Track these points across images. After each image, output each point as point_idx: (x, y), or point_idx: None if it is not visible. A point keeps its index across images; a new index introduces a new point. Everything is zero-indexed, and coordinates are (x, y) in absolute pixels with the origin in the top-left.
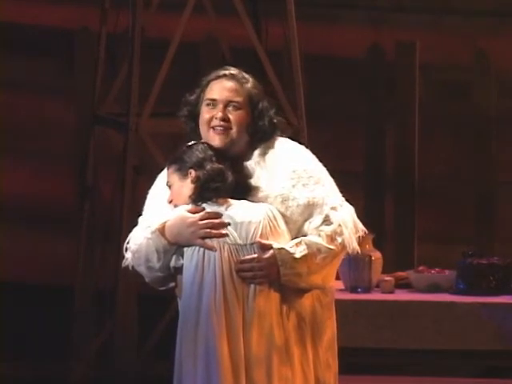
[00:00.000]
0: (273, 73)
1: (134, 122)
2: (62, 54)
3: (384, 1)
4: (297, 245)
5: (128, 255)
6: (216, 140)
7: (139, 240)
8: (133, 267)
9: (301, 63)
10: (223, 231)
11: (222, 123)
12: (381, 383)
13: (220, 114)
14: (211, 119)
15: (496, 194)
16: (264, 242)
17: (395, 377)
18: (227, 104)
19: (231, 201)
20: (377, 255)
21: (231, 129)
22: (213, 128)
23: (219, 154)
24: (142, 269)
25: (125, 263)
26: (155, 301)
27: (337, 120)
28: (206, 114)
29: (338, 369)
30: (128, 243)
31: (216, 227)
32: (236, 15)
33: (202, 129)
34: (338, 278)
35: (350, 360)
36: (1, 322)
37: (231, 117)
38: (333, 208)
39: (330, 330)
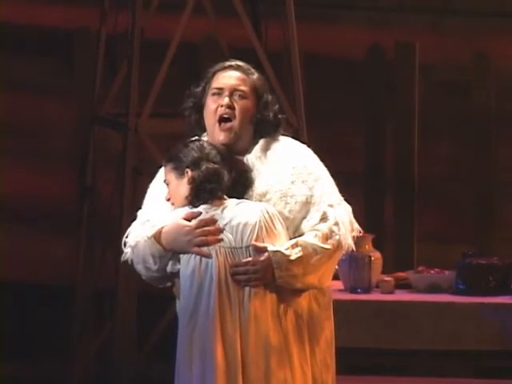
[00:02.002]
0: (272, 73)
1: (134, 123)
2: (62, 54)
3: (384, 1)
4: (292, 246)
5: (127, 250)
6: (221, 136)
7: (137, 237)
8: (132, 262)
9: (300, 63)
10: (219, 237)
11: (227, 111)
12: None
13: (226, 100)
14: (217, 108)
15: (496, 194)
16: (259, 244)
17: (395, 377)
18: (233, 92)
19: (227, 201)
20: (376, 255)
21: (235, 118)
22: (218, 122)
23: (221, 148)
24: (139, 267)
25: (124, 257)
26: (155, 300)
27: (337, 120)
28: (211, 103)
29: (335, 369)
30: (127, 237)
31: (212, 234)
32: (236, 16)
33: (208, 120)
34: (337, 278)
35: (349, 360)
36: (1, 322)
37: (236, 105)
38: (330, 205)
39: (328, 330)
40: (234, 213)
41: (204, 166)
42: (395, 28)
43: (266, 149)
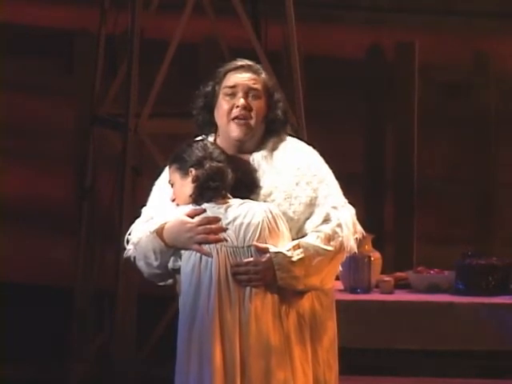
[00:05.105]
0: (272, 73)
1: (133, 123)
2: (62, 54)
3: (384, 1)
4: (294, 248)
5: (129, 247)
6: (236, 131)
7: (140, 233)
8: (134, 259)
9: (300, 63)
10: (220, 236)
11: (243, 112)
12: None
13: (242, 101)
14: (231, 109)
15: (496, 194)
16: (261, 245)
17: (395, 377)
18: (248, 91)
19: (231, 200)
20: (376, 256)
21: (251, 118)
22: (233, 119)
23: (231, 147)
24: (141, 263)
25: (126, 254)
26: (155, 301)
27: (336, 120)
28: (225, 104)
29: (338, 369)
30: (129, 234)
31: (213, 232)
32: (235, 16)
33: (221, 121)
34: (337, 278)
35: (349, 360)
36: (1, 323)
37: (253, 106)
38: (334, 207)
39: (330, 330)
40: (238, 212)
41: (208, 165)
42: (395, 28)
43: (272, 149)
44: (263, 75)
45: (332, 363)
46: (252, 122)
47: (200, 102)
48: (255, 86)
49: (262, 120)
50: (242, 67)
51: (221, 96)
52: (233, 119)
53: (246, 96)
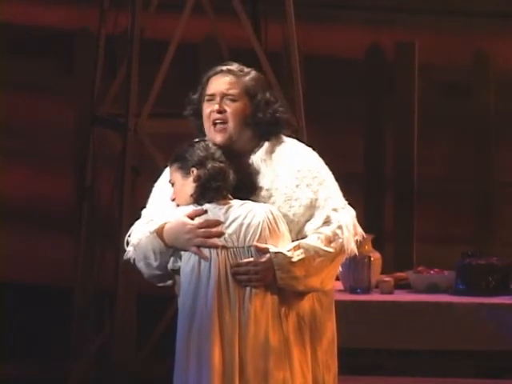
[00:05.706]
0: (272, 73)
1: (133, 123)
2: (62, 54)
3: (384, 1)
4: (294, 248)
5: (129, 248)
6: (217, 137)
7: (140, 235)
8: (134, 260)
9: (300, 63)
10: (219, 242)
11: (218, 116)
12: None
13: (216, 106)
14: (210, 113)
15: (496, 194)
16: (261, 245)
17: (395, 377)
18: (223, 97)
19: (232, 201)
20: (376, 256)
21: (227, 122)
22: (213, 125)
23: (224, 151)
24: (141, 264)
25: (126, 256)
26: (155, 301)
27: (336, 120)
28: (206, 109)
29: (337, 370)
30: (129, 236)
31: (213, 235)
32: (235, 16)
33: (205, 126)
34: (337, 278)
35: (349, 361)
36: (1, 323)
37: (227, 109)
38: (334, 209)
39: (329, 331)
40: (239, 213)
41: (210, 165)
42: (395, 28)
43: (270, 151)
44: (245, 77)
45: (330, 364)
46: (229, 124)
47: (190, 110)
48: (230, 91)
49: (243, 122)
50: (221, 72)
51: (204, 102)
52: (212, 125)
53: (221, 101)
